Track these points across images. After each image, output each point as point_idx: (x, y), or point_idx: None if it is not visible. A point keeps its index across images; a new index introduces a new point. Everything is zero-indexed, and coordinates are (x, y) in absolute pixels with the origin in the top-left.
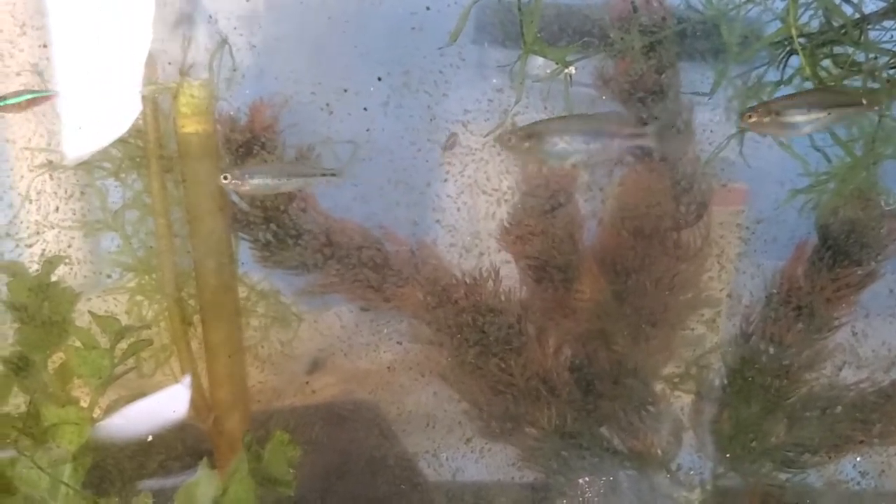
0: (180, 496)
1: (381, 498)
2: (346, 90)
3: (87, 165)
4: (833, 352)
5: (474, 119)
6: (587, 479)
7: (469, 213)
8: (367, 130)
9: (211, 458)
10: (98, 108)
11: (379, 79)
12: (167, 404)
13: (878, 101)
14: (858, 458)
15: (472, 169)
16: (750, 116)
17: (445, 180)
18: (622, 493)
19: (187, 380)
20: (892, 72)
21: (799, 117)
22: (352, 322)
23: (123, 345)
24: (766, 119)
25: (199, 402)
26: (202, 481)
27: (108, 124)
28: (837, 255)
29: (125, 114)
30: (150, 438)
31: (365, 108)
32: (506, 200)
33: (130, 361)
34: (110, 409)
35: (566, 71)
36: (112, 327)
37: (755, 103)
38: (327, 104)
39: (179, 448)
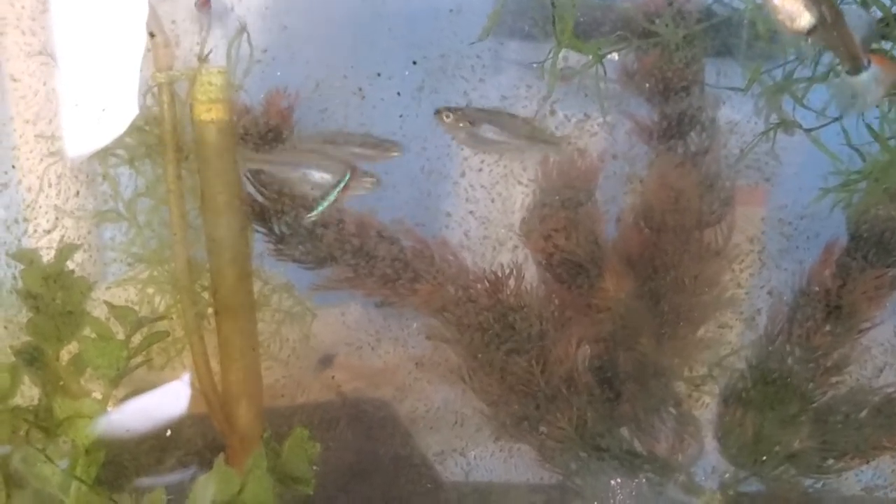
0: (195, 493)
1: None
2: (379, 74)
3: (100, 153)
4: (863, 353)
5: (511, 106)
6: (607, 481)
7: (504, 205)
8: (401, 116)
9: (224, 453)
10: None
11: (414, 63)
12: (166, 402)
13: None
14: None
15: (508, 158)
16: (447, 116)
17: (480, 170)
18: (641, 496)
19: (187, 377)
20: None
21: (489, 134)
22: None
23: (138, 337)
24: (460, 125)
25: (212, 396)
26: (218, 478)
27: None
28: (868, 255)
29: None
30: (168, 433)
31: (398, 93)
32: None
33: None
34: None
35: (609, 57)
36: (129, 318)
37: (453, 105)
38: (359, 89)
39: (198, 443)
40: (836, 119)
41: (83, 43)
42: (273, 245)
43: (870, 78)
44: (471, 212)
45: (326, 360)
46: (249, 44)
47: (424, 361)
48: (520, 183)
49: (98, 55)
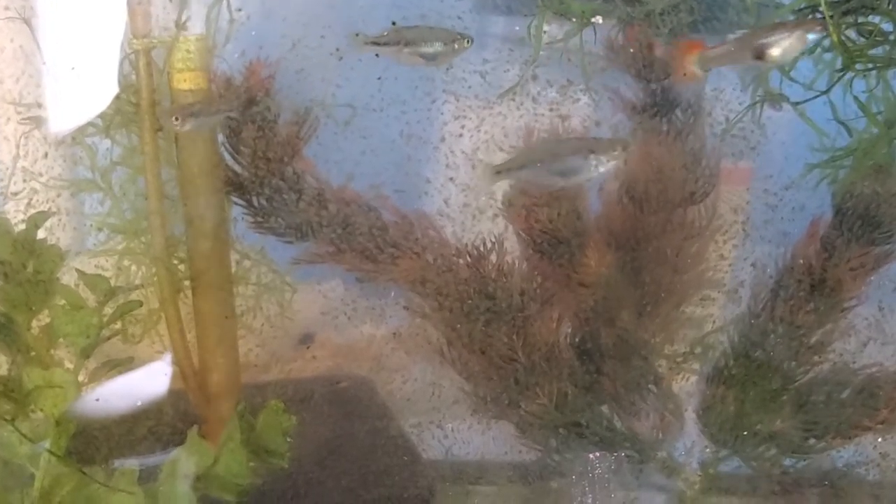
0: (169, 466)
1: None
2: (357, 34)
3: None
4: (847, 329)
5: (493, 69)
6: (587, 457)
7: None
8: (379, 79)
9: (200, 426)
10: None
11: (393, 23)
12: (148, 381)
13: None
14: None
15: (490, 124)
16: (175, 119)
17: (460, 136)
18: (621, 473)
19: (168, 356)
20: None
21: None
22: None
23: (112, 307)
24: (180, 121)
25: (188, 369)
26: (191, 451)
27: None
28: (853, 230)
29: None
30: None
31: (377, 55)
32: None
33: (118, 324)
34: (97, 375)
35: (593, 20)
36: (100, 286)
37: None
38: (337, 49)
39: (169, 414)
40: (824, 93)
41: (64, 12)
42: (252, 217)
43: None
44: (451, 178)
45: (307, 338)
46: (229, 10)
47: (402, 334)
48: (501, 149)
49: (80, 24)
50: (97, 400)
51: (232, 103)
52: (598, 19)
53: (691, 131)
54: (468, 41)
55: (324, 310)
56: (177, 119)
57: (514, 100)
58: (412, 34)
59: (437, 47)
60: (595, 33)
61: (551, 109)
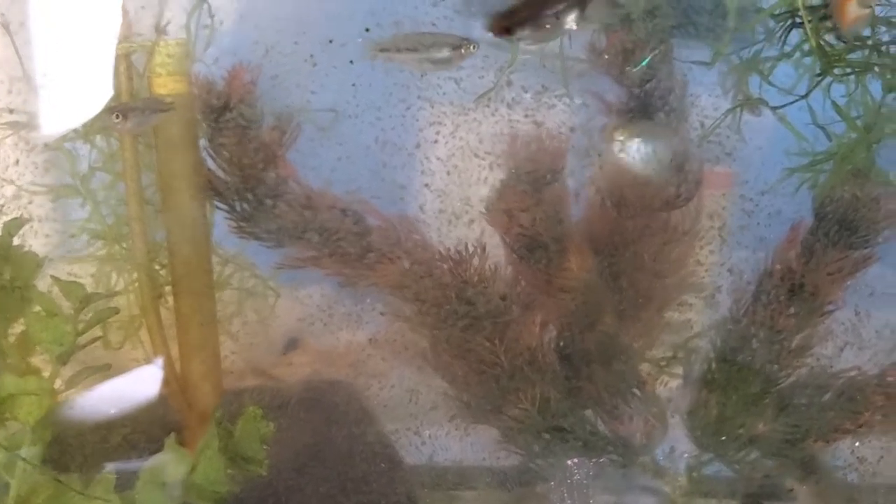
0: (146, 474)
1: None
2: (331, 41)
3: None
4: (826, 336)
5: (468, 76)
6: (570, 462)
7: (460, 178)
8: (353, 85)
9: (180, 432)
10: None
11: (367, 30)
12: (138, 385)
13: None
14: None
15: (465, 130)
16: (116, 117)
17: (435, 142)
18: (604, 478)
19: (160, 361)
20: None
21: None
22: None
23: (90, 313)
24: (121, 119)
25: (169, 375)
26: (170, 459)
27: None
28: (832, 235)
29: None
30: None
31: (351, 61)
32: (499, 165)
33: (96, 331)
34: (74, 382)
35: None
36: (76, 293)
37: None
38: (311, 55)
39: (146, 422)
40: (802, 97)
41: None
42: (234, 223)
43: None
44: (426, 184)
45: (292, 344)
46: (210, 15)
47: (381, 340)
48: (476, 156)
49: (72, 28)
50: (88, 404)
51: (171, 103)
52: (573, 25)
53: (674, 135)
54: (474, 46)
55: (303, 315)
56: (117, 117)
57: (488, 106)
58: (420, 40)
59: (444, 52)
60: (570, 39)
61: (526, 115)
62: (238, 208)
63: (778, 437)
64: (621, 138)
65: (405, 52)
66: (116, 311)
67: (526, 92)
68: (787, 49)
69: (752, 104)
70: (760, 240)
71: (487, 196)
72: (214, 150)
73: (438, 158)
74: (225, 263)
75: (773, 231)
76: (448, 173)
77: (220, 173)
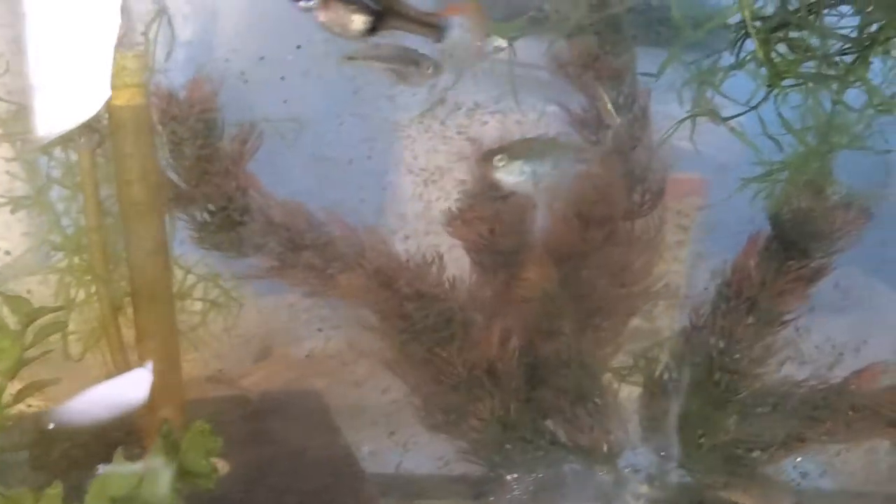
0: (94, 488)
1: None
2: (262, 58)
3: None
4: (782, 347)
5: (401, 92)
6: (529, 474)
7: (395, 194)
8: (285, 102)
9: (141, 445)
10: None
11: (298, 47)
12: (127, 390)
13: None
14: (799, 459)
15: (398, 147)
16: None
17: (369, 157)
18: (565, 488)
19: (150, 365)
20: (845, 57)
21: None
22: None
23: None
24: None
25: None
26: (117, 473)
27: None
28: (789, 247)
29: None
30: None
31: (282, 78)
32: (433, 181)
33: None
34: (20, 397)
35: (495, 45)
36: (22, 308)
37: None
38: (242, 72)
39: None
40: (753, 108)
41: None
42: (195, 233)
43: (457, 32)
44: (362, 200)
45: (264, 353)
46: (170, 26)
47: (347, 350)
48: (410, 172)
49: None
50: (78, 408)
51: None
52: (502, 43)
53: (637, 143)
54: (432, 67)
55: (275, 324)
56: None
57: (422, 122)
58: (385, 52)
59: (408, 68)
60: (515, 53)
61: (459, 132)
62: (199, 218)
63: (738, 446)
64: (501, 164)
65: (372, 61)
66: (65, 325)
67: (459, 109)
68: (744, 59)
69: (701, 114)
70: (723, 248)
71: (427, 202)
72: (175, 160)
73: (372, 174)
74: (186, 274)
75: (737, 240)
76: (383, 189)
77: (181, 184)
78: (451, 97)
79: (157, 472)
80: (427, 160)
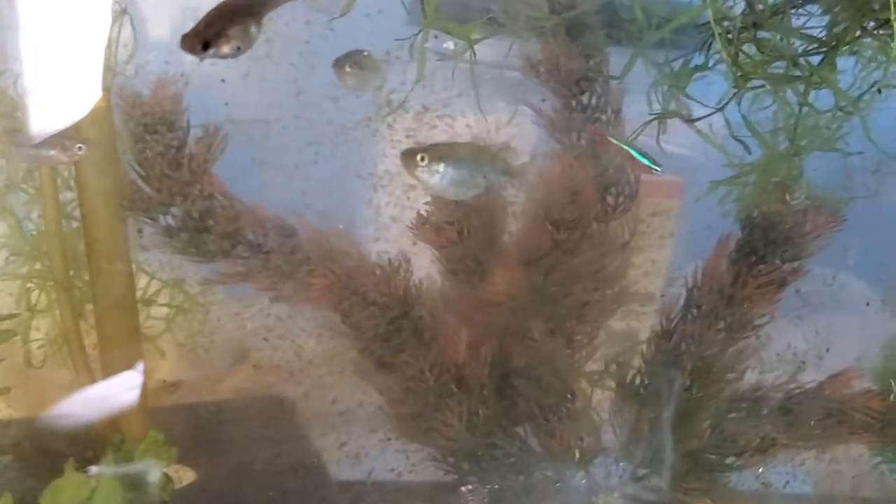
0: (46, 499)
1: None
2: (201, 60)
3: None
4: (751, 352)
5: (345, 95)
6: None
7: (343, 199)
8: (226, 105)
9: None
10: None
11: (238, 48)
12: (119, 391)
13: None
14: (761, 469)
15: (345, 150)
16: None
17: (315, 162)
18: (536, 495)
19: (140, 366)
20: (812, 58)
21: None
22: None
23: None
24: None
25: None
26: (68, 483)
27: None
28: (758, 250)
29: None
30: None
31: (223, 80)
32: (382, 186)
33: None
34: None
35: (444, 45)
36: None
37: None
38: (182, 74)
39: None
40: (719, 109)
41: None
42: (160, 237)
43: None
44: (307, 205)
45: (240, 356)
46: (133, 27)
47: (316, 356)
48: (359, 176)
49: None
50: (70, 409)
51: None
52: (449, 45)
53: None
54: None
55: (248, 330)
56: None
57: (368, 126)
58: (350, 58)
59: (364, 73)
60: (474, 56)
61: (407, 136)
62: (163, 222)
63: (713, 452)
64: (423, 163)
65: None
66: (13, 334)
67: (407, 112)
68: (713, 60)
69: (669, 116)
70: (696, 251)
71: (377, 207)
72: (139, 164)
73: (318, 179)
74: (151, 279)
75: (707, 243)
76: (330, 194)
77: (146, 187)
78: (397, 100)
79: (108, 482)
80: (375, 164)
